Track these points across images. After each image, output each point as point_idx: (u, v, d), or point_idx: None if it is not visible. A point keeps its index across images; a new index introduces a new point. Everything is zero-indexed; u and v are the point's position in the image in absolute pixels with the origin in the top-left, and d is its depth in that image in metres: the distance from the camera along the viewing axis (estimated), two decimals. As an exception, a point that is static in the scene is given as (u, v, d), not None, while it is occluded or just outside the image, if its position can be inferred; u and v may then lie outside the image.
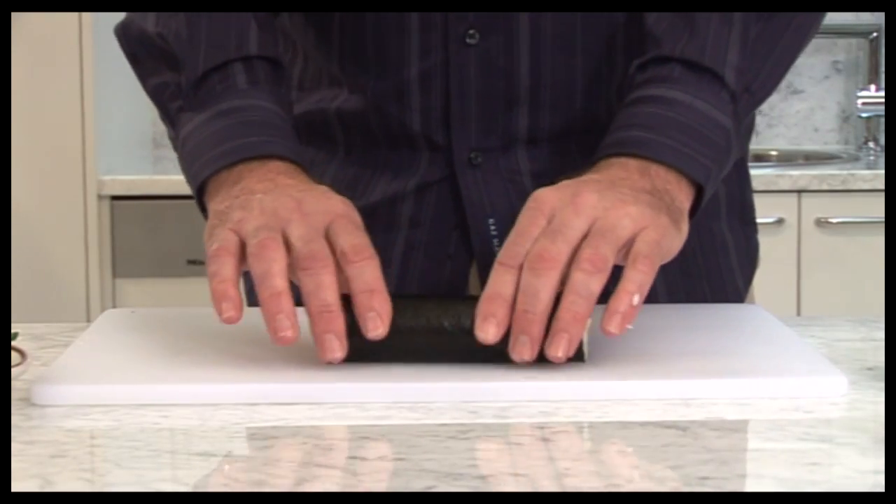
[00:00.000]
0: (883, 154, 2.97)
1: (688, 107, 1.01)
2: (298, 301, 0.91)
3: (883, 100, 2.95)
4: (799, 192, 2.62)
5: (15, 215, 2.38)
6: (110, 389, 0.87)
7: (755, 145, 2.06)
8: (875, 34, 2.99)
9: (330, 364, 0.91)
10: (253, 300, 1.21)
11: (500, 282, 0.89)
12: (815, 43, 2.90)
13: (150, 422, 0.84)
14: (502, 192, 1.11)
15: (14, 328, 0.95)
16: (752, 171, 1.25)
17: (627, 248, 0.89)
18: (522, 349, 0.87)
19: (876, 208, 2.58)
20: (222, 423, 0.83)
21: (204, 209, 1.03)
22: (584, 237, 0.88)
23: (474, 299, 0.90)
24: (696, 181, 0.98)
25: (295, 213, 0.92)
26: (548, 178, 0.98)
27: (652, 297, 0.91)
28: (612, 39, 1.10)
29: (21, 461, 0.76)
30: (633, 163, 0.97)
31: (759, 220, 1.24)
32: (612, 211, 0.90)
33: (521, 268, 0.88)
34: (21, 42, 2.37)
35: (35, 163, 2.41)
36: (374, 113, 1.13)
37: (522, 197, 0.96)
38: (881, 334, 1.04)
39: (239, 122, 1.03)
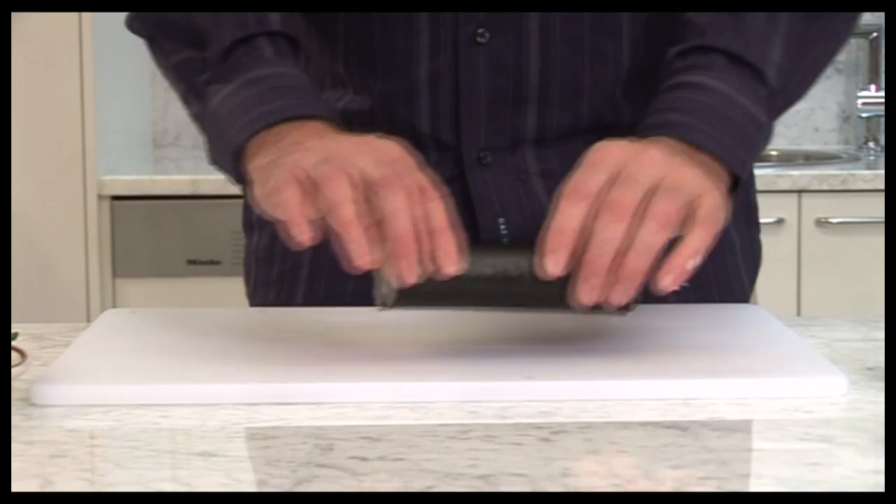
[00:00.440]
0: (883, 154, 2.97)
1: (729, 99, 1.02)
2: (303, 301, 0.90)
3: (883, 100, 2.95)
4: (799, 192, 2.62)
5: (15, 215, 2.38)
6: (110, 389, 0.87)
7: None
8: (875, 34, 2.99)
9: (330, 364, 0.91)
10: (256, 301, 1.21)
11: (568, 215, 0.89)
12: (815, 43, 2.89)
13: (150, 422, 0.84)
14: (512, 191, 1.11)
15: (14, 328, 0.95)
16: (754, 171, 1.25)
17: (687, 210, 0.89)
18: (589, 293, 0.88)
19: (876, 208, 2.58)
20: (222, 423, 0.83)
21: (239, 178, 1.01)
22: (651, 191, 0.89)
23: (523, 247, 0.90)
24: (733, 172, 0.99)
25: (355, 149, 0.91)
26: (556, 177, 0.98)
27: (661, 297, 0.91)
28: (618, 39, 1.11)
29: (21, 461, 0.76)
30: (678, 145, 0.97)
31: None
32: (678, 170, 0.91)
33: (587, 204, 0.88)
34: (21, 42, 2.37)
35: (35, 163, 2.41)
36: (380, 113, 1.12)
37: (532, 196, 0.96)
38: (881, 334, 1.04)
39: (273, 86, 1.02)
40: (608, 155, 0.91)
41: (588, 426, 0.84)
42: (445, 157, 1.12)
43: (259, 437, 0.83)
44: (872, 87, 2.99)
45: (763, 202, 1.26)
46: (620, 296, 0.88)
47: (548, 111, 1.11)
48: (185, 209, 2.46)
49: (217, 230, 2.45)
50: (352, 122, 1.14)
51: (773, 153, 3.01)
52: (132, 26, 1.13)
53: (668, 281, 0.88)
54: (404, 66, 1.10)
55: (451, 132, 1.11)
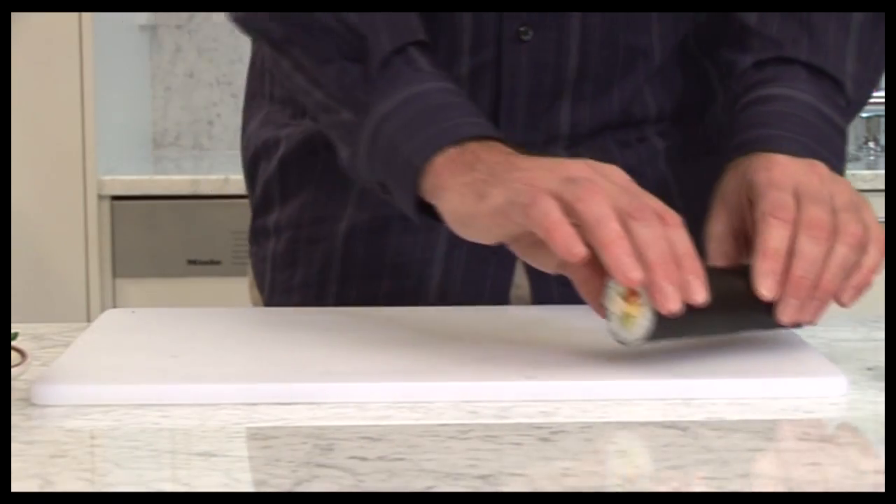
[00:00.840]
0: (883, 154, 2.96)
1: (818, 112, 1.03)
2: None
3: (883, 100, 2.95)
4: (799, 192, 2.61)
5: (15, 215, 2.38)
6: (110, 389, 0.87)
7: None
8: (875, 34, 2.99)
9: (330, 364, 0.91)
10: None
11: (778, 237, 0.91)
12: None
13: (150, 422, 0.84)
14: None
15: (14, 328, 0.95)
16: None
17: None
18: (794, 312, 0.90)
19: (876, 208, 2.57)
20: (222, 423, 0.83)
21: (409, 189, 0.97)
22: (833, 208, 0.94)
23: (722, 270, 0.93)
24: None
25: (588, 170, 0.90)
26: None
27: None
28: (648, 33, 1.12)
29: (21, 461, 0.76)
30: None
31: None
32: (839, 185, 0.94)
33: (791, 225, 0.91)
34: (21, 42, 2.37)
35: (35, 163, 2.41)
36: None
37: None
38: (881, 334, 1.04)
39: (445, 103, 1.00)
40: (787, 171, 0.95)
41: (588, 426, 0.84)
42: None
43: (259, 437, 0.83)
44: (872, 87, 2.99)
45: (764, 202, 1.26)
46: (816, 313, 0.91)
47: (581, 107, 1.12)
48: (185, 209, 2.46)
49: (217, 230, 2.45)
50: None
51: (773, 153, 3.00)
52: (262, 27, 1.08)
53: (855, 296, 0.93)
54: (445, 64, 1.10)
55: None
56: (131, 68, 2.74)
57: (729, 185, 1.00)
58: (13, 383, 0.89)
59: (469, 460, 0.76)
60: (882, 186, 2.58)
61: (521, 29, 1.10)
